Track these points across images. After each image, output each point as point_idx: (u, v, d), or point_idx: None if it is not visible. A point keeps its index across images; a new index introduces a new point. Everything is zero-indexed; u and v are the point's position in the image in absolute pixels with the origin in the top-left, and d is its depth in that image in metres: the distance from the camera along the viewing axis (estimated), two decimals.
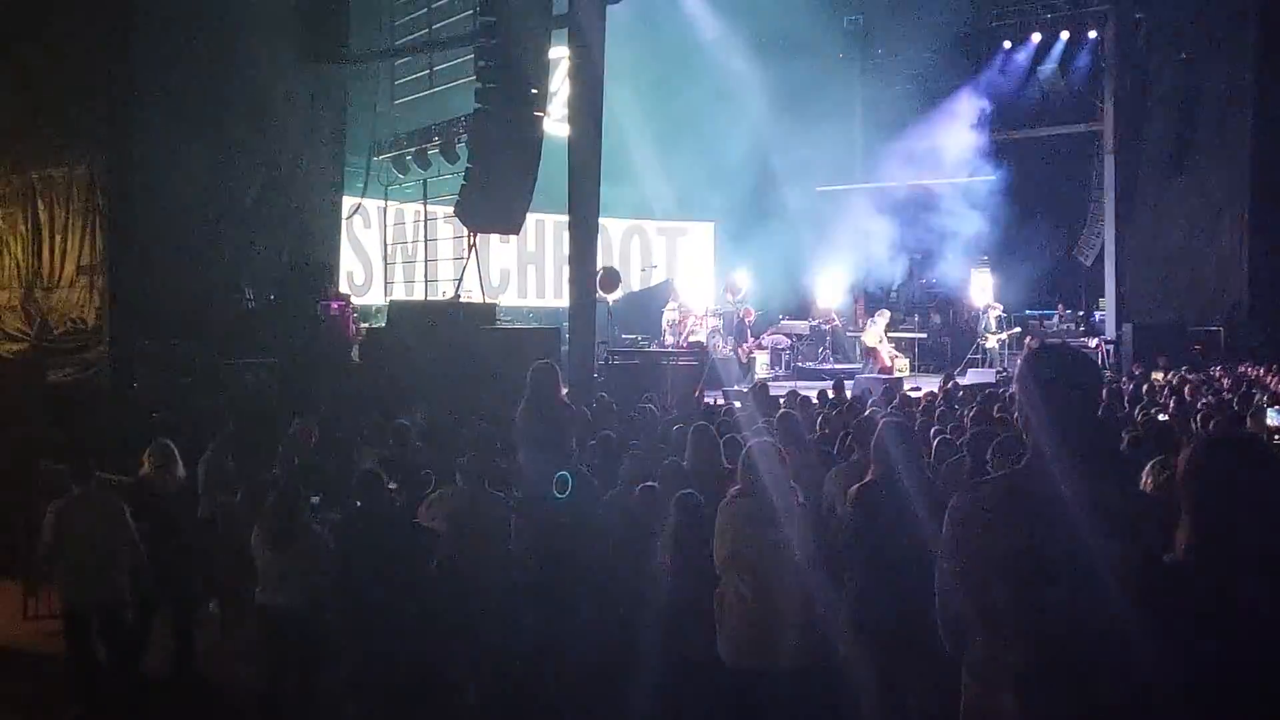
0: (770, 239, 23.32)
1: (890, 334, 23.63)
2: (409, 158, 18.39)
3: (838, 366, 21.25)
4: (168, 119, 14.09)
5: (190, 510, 8.00)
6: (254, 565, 6.46)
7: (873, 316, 21.92)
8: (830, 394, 13.41)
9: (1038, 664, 2.83)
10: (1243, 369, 17.95)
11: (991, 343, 22.04)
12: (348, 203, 19.10)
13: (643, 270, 24.83)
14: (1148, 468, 4.57)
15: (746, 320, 22.40)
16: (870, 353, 21.28)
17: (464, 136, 16.40)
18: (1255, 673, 2.66)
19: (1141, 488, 4.44)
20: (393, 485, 6.61)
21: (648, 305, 22.40)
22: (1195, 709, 2.70)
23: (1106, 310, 23.74)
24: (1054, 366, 2.99)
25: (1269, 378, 15.87)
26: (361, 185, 19.71)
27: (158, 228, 14.07)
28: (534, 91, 15.71)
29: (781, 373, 21.38)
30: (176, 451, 7.84)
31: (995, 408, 10.68)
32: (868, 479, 5.16)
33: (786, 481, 5.24)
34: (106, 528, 7.08)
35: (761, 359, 21.52)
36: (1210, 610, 2.71)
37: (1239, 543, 2.74)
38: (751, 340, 21.97)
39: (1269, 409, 11.41)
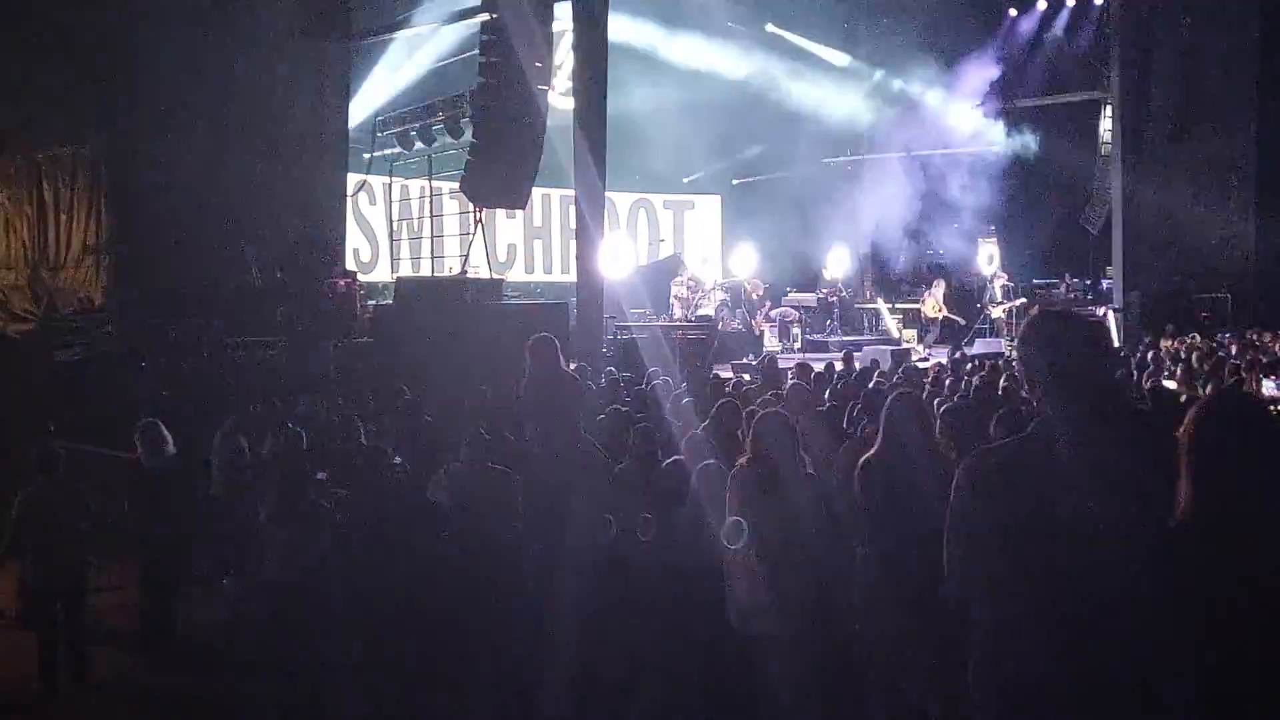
0: (776, 211, 23.26)
1: (898, 305, 23.66)
2: (413, 133, 18.32)
3: (845, 339, 21.21)
4: (172, 98, 14.09)
5: (184, 488, 8.08)
6: (261, 541, 6.52)
7: (929, 287, 21.76)
8: (840, 365, 13.41)
9: (1046, 627, 2.85)
10: (1251, 334, 17.93)
11: (997, 313, 21.98)
12: (352, 180, 19.06)
13: (650, 244, 24.79)
14: (1155, 434, 4.56)
15: (755, 294, 22.37)
16: (931, 324, 21.24)
17: (468, 111, 16.35)
18: (1258, 634, 2.68)
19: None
20: (398, 460, 6.63)
21: (656, 279, 22.38)
22: (1202, 671, 2.72)
23: (1113, 278, 23.65)
24: (1057, 331, 3.00)
25: (1276, 344, 15.85)
26: (366, 162, 19.68)
27: (163, 206, 14.08)
28: (538, 65, 15.66)
29: (790, 345, 21.36)
30: (166, 431, 7.88)
31: (1003, 377, 10.67)
32: (872, 452, 5.17)
33: (795, 451, 5.25)
34: (73, 512, 7.16)
35: (770, 332, 21.51)
36: (1213, 571, 2.73)
37: (1239, 502, 2.75)
38: (761, 313, 21.95)
39: (1264, 380, 11.38)
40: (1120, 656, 2.79)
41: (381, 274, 20.01)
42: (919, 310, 22.17)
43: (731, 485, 5.25)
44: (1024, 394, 3.13)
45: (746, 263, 23.46)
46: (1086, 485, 2.84)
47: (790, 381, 10.14)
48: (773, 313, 22.24)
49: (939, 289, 21.42)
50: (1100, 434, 2.92)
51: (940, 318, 21.15)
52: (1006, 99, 24.93)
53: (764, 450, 5.16)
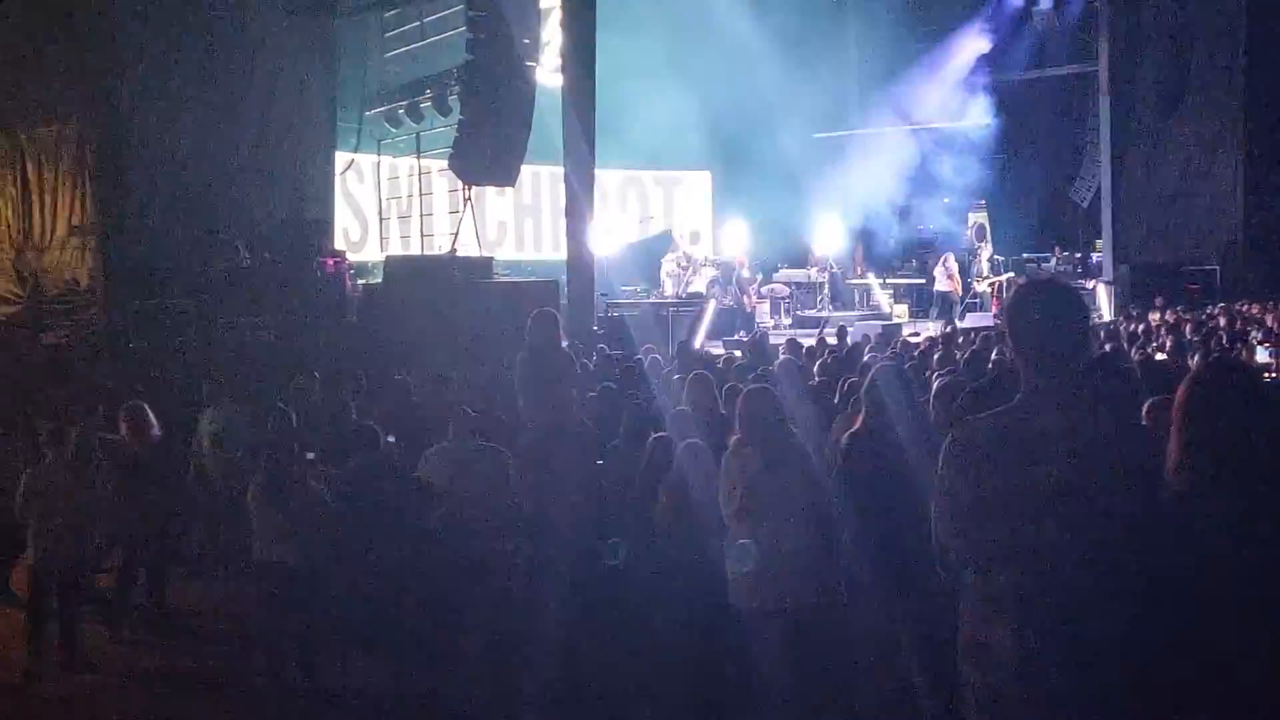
0: (767, 187, 23.21)
1: (889, 280, 23.64)
2: (401, 112, 18.25)
3: (836, 314, 21.22)
4: (157, 76, 13.98)
5: (169, 469, 8.08)
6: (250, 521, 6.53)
7: (941, 262, 21.65)
8: (832, 340, 13.43)
9: (1032, 597, 2.86)
10: (1239, 306, 17.99)
11: (983, 286, 21.98)
12: (341, 159, 18.97)
13: (640, 221, 24.74)
14: (1145, 406, 4.58)
15: (742, 269, 22.32)
16: (944, 298, 21.17)
17: (456, 89, 16.27)
18: (1243, 598, 2.69)
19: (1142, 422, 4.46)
20: (391, 439, 6.63)
21: (646, 256, 22.33)
22: (1187, 637, 2.74)
23: (1103, 251, 23.71)
24: (1042, 301, 3.00)
25: (1265, 315, 15.92)
26: (354, 141, 19.57)
27: (149, 186, 14.00)
28: (526, 41, 15.60)
29: (782, 322, 21.36)
30: (150, 413, 7.88)
31: (995, 350, 10.68)
32: (856, 427, 5.17)
33: (786, 427, 5.25)
34: (79, 491, 7.18)
35: (762, 308, 21.49)
36: (1201, 538, 2.74)
37: (1229, 470, 2.77)
38: (753, 289, 21.91)
39: (1259, 346, 11.45)
40: (1108, 626, 2.79)
41: (371, 253, 19.93)
42: (935, 285, 21.84)
43: (727, 464, 5.24)
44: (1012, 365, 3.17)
45: (737, 239, 23.42)
46: (1072, 455, 2.84)
47: (781, 358, 10.14)
48: (764, 289, 22.22)
49: (952, 263, 21.21)
50: (1085, 403, 2.93)
51: (950, 291, 20.97)
52: (996, 73, 24.88)
53: (753, 427, 5.16)
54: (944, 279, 21.08)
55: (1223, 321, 15.76)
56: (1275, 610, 2.68)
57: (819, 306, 22.42)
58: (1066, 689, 2.82)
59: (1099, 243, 24.08)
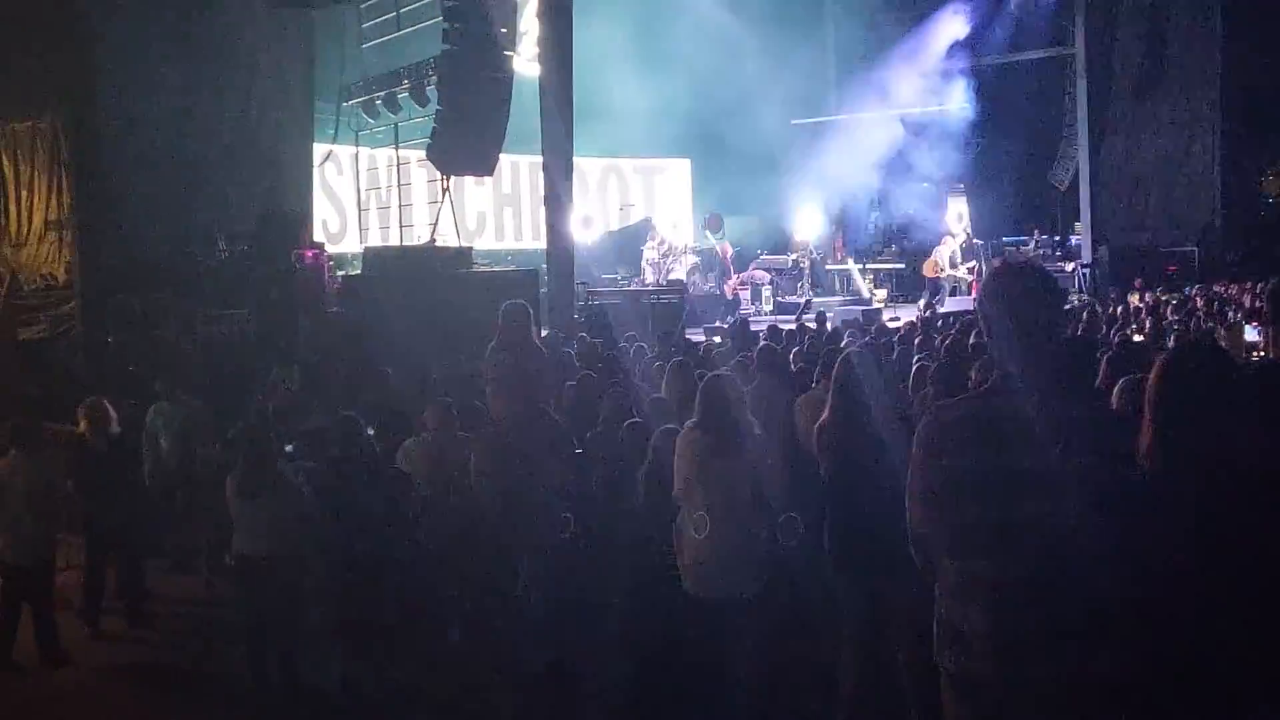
0: (746, 174, 23.22)
1: (869, 266, 23.68)
2: (379, 102, 18.15)
3: (817, 300, 21.25)
4: (132, 68, 13.85)
5: (129, 465, 8.06)
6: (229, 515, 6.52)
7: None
8: (812, 326, 13.45)
9: (1006, 581, 2.87)
10: (1218, 287, 18.11)
11: (960, 272, 21.91)
12: (319, 150, 18.86)
13: (620, 209, 24.72)
14: (1118, 386, 4.61)
15: (726, 257, 22.35)
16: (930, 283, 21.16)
17: (433, 79, 16.20)
18: (1215, 579, 2.71)
19: (1113, 406, 4.48)
20: (370, 430, 6.62)
21: (627, 244, 22.32)
22: (1160, 618, 2.76)
23: (1082, 234, 23.82)
24: (1016, 285, 3.00)
25: (1242, 295, 16.02)
26: (332, 132, 19.48)
27: (126, 180, 13.86)
28: (503, 30, 15.52)
29: (763, 308, 21.38)
30: (111, 408, 7.87)
31: (973, 333, 10.72)
32: (825, 415, 5.18)
33: (743, 413, 5.26)
34: (44, 488, 7.17)
35: (743, 295, 21.51)
36: (1173, 519, 2.76)
37: (1201, 452, 2.78)
38: (735, 276, 21.94)
39: (1247, 325, 11.48)
40: (1081, 609, 2.81)
41: (350, 244, 19.86)
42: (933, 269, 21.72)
43: (679, 447, 5.24)
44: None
45: (718, 227, 23.42)
46: (1045, 438, 2.85)
47: (760, 344, 10.15)
48: (744, 276, 22.24)
49: (946, 247, 21.13)
50: (1059, 386, 2.94)
51: (941, 276, 20.93)
52: (974, 56, 24.91)
53: (708, 412, 5.16)
54: (933, 266, 21.09)
55: (1200, 302, 15.87)
56: (1247, 591, 2.70)
57: (800, 292, 22.44)
58: (1042, 672, 2.83)
59: (1078, 225, 24.18)
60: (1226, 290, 17.35)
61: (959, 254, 21.67)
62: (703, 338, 14.77)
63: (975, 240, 22.74)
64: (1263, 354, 10.28)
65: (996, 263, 3.70)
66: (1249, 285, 16.91)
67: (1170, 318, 13.89)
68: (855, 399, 5.00)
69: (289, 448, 7.25)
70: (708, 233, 23.39)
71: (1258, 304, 13.88)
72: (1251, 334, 11.07)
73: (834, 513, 5.02)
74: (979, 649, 2.90)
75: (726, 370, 6.45)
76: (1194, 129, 23.68)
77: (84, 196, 13.47)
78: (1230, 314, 13.82)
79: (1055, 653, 2.82)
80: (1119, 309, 15.48)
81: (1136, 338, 11.59)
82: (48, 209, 13.74)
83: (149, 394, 9.23)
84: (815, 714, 5.48)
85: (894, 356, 9.76)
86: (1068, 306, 14.20)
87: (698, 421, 5.20)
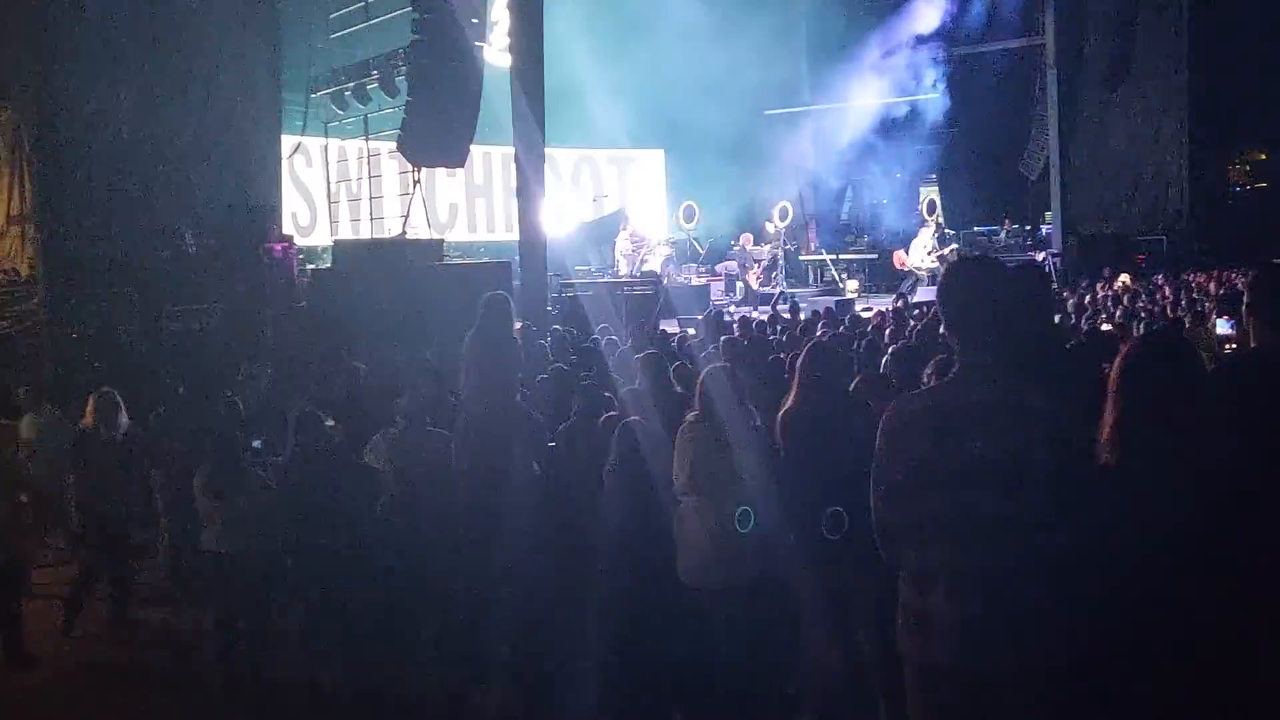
0: (719, 165, 23.21)
1: (842, 256, 23.73)
2: (348, 93, 18.01)
3: (790, 290, 21.27)
4: (95, 60, 13.68)
5: (135, 459, 7.95)
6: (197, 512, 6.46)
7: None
8: (786, 315, 13.46)
9: (967, 570, 2.88)
10: (1186, 276, 18.25)
11: (930, 262, 21.92)
12: (288, 142, 18.68)
13: (594, 200, 24.64)
14: (1082, 377, 4.61)
15: (748, 246, 22.36)
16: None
17: (403, 70, 16.08)
18: (1172, 571, 2.71)
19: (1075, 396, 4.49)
20: (330, 423, 6.56)
21: (601, 235, 22.25)
22: (1119, 607, 2.76)
23: (1052, 224, 23.96)
24: (971, 278, 3.04)
25: (1210, 284, 16.14)
26: (301, 124, 19.30)
27: (90, 173, 13.70)
28: (473, 21, 15.44)
29: (737, 299, 21.40)
30: (121, 400, 7.76)
31: (942, 324, 10.73)
32: (787, 405, 5.18)
33: (741, 405, 5.26)
34: (14, 486, 7.10)
35: (716, 286, 21.53)
36: (1130, 511, 2.77)
37: (1161, 444, 2.79)
38: (757, 265, 21.95)
39: (1218, 319, 11.40)
40: (1041, 598, 2.82)
41: (320, 237, 19.70)
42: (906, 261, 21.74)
43: (680, 440, 5.24)
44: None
45: (692, 217, 23.44)
46: (1003, 428, 2.86)
47: (726, 336, 10.15)
48: (717, 267, 22.24)
49: (922, 237, 21.18)
50: (1019, 378, 2.95)
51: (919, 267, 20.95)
52: (946, 46, 24.99)
53: (710, 405, 5.16)
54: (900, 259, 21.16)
55: (1167, 291, 15.99)
56: (1206, 580, 2.71)
57: (773, 283, 22.46)
58: (1003, 661, 2.85)
59: (1048, 215, 24.33)
60: (1194, 279, 17.48)
61: (927, 241, 21.72)
62: (677, 329, 14.75)
63: (947, 230, 22.82)
64: (1234, 346, 10.21)
65: (952, 257, 3.73)
66: (1217, 274, 17.05)
67: (1137, 306, 13.98)
68: (817, 389, 5.01)
69: (256, 443, 7.18)
70: (682, 223, 23.39)
71: (1223, 292, 13.96)
72: (1224, 327, 10.98)
73: (794, 500, 5.02)
74: (940, 637, 2.92)
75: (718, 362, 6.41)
76: (1162, 119, 23.87)
77: (46, 191, 13.31)
78: (1200, 305, 13.84)
79: (1015, 642, 2.84)
80: (1088, 298, 15.57)
81: (1105, 327, 11.65)
82: (10, 203, 13.55)
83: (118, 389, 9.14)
84: (798, 703, 5.49)
85: (860, 347, 9.75)
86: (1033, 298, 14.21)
87: (699, 415, 5.20)
